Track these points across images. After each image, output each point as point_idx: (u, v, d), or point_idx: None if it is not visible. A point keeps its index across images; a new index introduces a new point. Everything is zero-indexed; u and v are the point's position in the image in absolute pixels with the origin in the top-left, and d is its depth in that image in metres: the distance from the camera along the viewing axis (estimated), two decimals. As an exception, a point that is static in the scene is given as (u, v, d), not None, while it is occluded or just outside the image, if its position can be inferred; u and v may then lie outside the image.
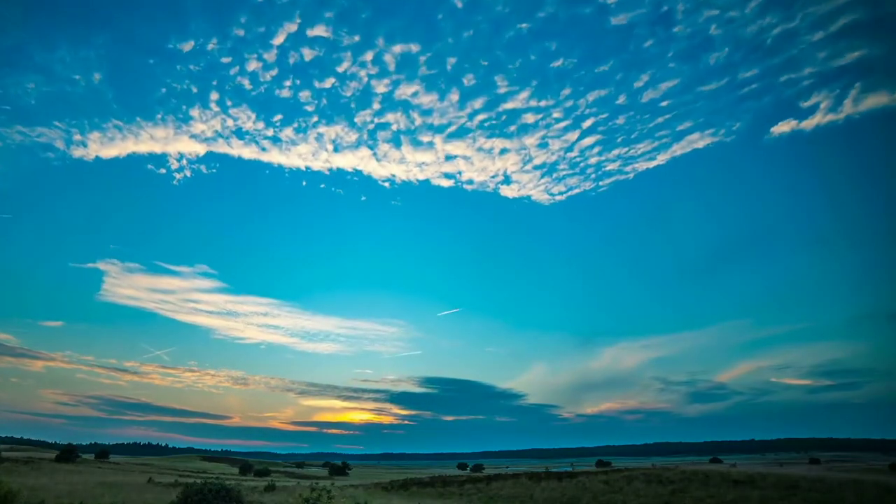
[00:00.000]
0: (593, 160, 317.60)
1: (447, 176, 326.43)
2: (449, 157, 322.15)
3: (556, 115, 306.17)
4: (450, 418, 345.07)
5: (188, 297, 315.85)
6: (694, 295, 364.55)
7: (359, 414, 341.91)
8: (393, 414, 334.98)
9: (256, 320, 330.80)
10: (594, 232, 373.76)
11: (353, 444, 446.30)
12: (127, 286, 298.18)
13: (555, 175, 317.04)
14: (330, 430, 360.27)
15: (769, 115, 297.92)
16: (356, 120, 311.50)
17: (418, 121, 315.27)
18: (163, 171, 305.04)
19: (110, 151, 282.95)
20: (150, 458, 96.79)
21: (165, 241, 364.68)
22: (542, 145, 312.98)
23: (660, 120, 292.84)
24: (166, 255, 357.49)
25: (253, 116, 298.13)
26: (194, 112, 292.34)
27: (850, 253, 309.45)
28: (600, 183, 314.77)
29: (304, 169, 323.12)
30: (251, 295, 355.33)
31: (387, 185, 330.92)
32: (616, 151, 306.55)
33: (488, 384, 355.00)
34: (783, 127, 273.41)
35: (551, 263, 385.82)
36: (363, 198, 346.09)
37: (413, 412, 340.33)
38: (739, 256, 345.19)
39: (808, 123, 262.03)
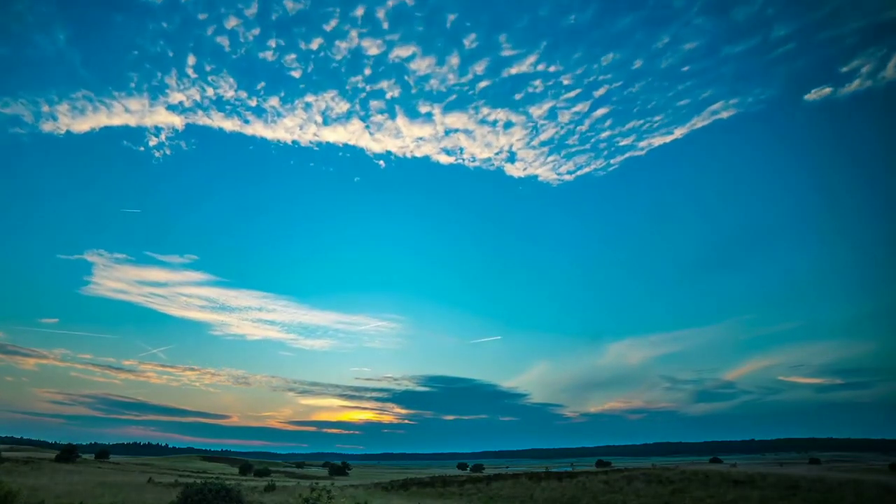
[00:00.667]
0: (605, 134, 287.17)
1: (447, 152, 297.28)
2: (449, 132, 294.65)
3: (565, 82, 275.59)
4: (450, 417, 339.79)
5: (180, 290, 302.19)
6: (705, 287, 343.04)
7: (358, 413, 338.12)
8: (393, 413, 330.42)
9: (251, 315, 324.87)
10: (601, 218, 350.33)
11: (353, 444, 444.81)
12: (115, 279, 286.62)
13: (563, 152, 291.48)
14: (329, 430, 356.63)
15: (804, 81, 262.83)
16: (347, 87, 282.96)
17: (415, 89, 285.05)
18: (141, 148, 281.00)
19: (82, 125, 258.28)
20: (150, 458, 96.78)
21: (151, 227, 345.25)
22: (550, 117, 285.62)
23: (680, 88, 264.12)
24: (153, 244, 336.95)
25: (234, 84, 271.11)
26: (170, 80, 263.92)
27: (874, 245, 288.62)
28: (611, 161, 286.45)
29: (290, 143, 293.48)
30: (244, 288, 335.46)
31: (381, 163, 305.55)
32: (630, 124, 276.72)
33: (490, 383, 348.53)
34: (816, 95, 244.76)
35: (557, 252, 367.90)
36: (356, 178, 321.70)
37: (413, 411, 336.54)
38: (756, 245, 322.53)
39: (846, 90, 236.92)
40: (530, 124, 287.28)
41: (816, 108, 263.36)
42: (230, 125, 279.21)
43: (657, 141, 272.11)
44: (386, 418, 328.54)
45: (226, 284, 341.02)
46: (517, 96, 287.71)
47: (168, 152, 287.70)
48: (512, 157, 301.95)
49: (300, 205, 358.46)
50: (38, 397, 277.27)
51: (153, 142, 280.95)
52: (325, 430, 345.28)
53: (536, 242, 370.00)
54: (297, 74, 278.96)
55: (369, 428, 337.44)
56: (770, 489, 25.83)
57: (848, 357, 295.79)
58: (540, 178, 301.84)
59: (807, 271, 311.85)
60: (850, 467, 53.15)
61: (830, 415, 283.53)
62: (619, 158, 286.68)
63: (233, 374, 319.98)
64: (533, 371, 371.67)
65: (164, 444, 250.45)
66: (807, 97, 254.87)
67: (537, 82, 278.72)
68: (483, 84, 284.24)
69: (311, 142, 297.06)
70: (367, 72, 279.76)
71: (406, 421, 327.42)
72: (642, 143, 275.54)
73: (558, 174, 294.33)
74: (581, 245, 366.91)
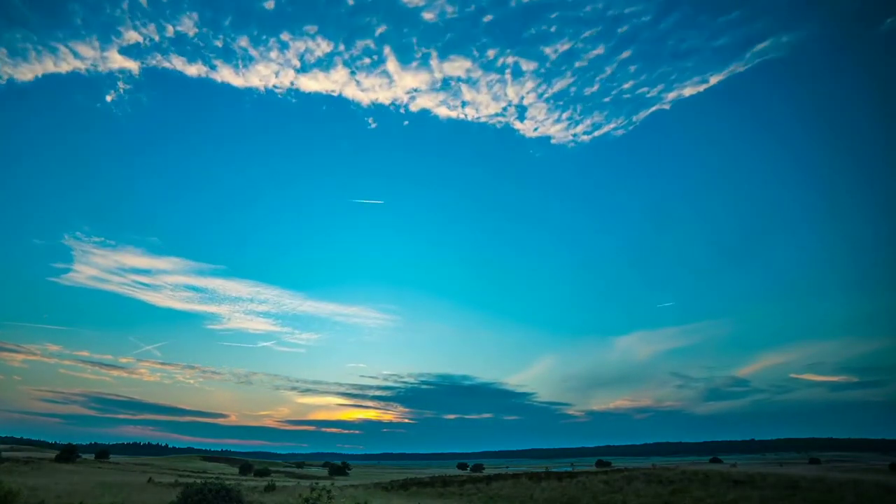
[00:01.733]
0: (628, 84, 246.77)
1: (447, 105, 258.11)
2: (448, 81, 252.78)
3: (583, 14, 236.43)
4: (451, 416, 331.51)
5: (166, 280, 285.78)
6: (721, 276, 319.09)
7: (357, 412, 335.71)
8: (393, 412, 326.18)
9: (242, 307, 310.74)
10: (611, 196, 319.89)
11: (353, 444, 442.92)
12: (95, 266, 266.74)
13: (579, 107, 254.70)
14: (328, 430, 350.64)
15: (875, 7, 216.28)
16: (328, 24, 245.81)
17: (407, 26, 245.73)
18: (98, 104, 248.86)
19: (25, 73, 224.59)
20: (150, 458, 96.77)
21: (122, 203, 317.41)
22: (565, 62, 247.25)
23: (720, 21, 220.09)
24: (129, 225, 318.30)
25: (196, 18, 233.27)
26: (122, 15, 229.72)
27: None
28: (633, 118, 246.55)
29: (263, 91, 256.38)
30: (235, 277, 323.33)
31: (371, 121, 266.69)
32: (658, 70, 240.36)
33: (491, 381, 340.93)
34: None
35: (562, 236, 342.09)
36: (343, 143, 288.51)
37: (414, 410, 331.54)
38: (785, 226, 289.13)
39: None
40: (542, 70, 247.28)
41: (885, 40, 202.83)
42: (194, 70, 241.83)
43: (688, 90, 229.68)
44: (385, 417, 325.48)
45: (217, 273, 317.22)
46: (528, 33, 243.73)
47: (128, 109, 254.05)
48: (522, 114, 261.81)
49: (278, 168, 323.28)
50: (26, 395, 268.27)
51: (110, 97, 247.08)
52: (322, 429, 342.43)
53: (542, 223, 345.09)
54: (269, 6, 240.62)
55: (369, 427, 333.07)
56: (770, 489, 25.83)
57: (865, 353, 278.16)
58: (553, 141, 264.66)
59: (839, 256, 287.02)
60: (850, 467, 53.13)
61: (843, 414, 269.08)
62: (643, 114, 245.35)
63: (229, 371, 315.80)
64: (537, 367, 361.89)
65: (163, 444, 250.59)
66: (881, 28, 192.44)
67: (552, 18, 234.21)
68: (487, 18, 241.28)
69: (287, 90, 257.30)
70: (351, 2, 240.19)
71: (406, 420, 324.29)
72: (670, 95, 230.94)
73: (573, 135, 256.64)
74: (587, 229, 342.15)
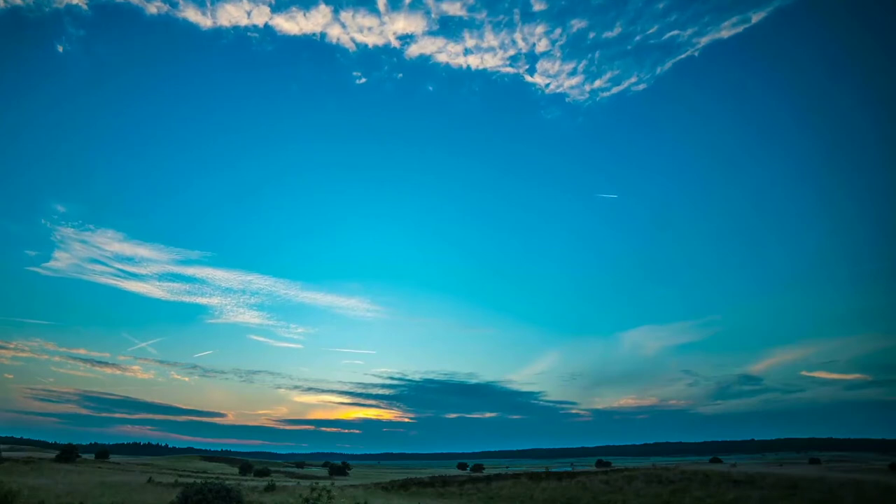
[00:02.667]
0: (653, 29, 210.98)
1: (445, 54, 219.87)
2: (445, 22, 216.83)
3: None
4: (453, 416, 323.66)
5: (153, 269, 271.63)
6: (737, 264, 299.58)
7: (357, 411, 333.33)
8: (393, 411, 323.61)
9: (234, 299, 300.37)
10: (624, 167, 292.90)
11: (353, 444, 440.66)
12: (77, 255, 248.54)
13: (597, 54, 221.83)
14: (326, 429, 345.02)
15: None
16: None
17: None
18: (47, 52, 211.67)
19: None
20: (150, 458, 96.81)
21: (94, 180, 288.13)
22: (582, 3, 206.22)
23: None
24: (103, 201, 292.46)
25: None
26: None
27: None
28: (658, 69, 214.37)
29: (229, 27, 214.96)
30: (226, 268, 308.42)
31: (359, 76, 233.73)
32: (691, 9, 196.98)
33: (492, 381, 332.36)
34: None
35: (566, 221, 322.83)
36: (328, 101, 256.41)
37: (414, 409, 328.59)
38: (809, 208, 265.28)
39: None
40: (554, 13, 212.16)
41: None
42: (153, 7, 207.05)
43: (727, 31, 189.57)
44: (385, 416, 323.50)
45: (204, 261, 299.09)
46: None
47: (79, 46, 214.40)
48: (532, 64, 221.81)
49: (251, 135, 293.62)
50: (16, 392, 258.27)
51: (60, 49, 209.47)
52: (322, 428, 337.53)
53: (549, 209, 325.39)
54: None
55: (368, 426, 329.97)
56: (770, 489, 25.84)
57: (881, 350, 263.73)
58: (569, 98, 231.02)
59: (863, 244, 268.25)
60: (850, 467, 53.18)
61: (852, 414, 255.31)
62: (668, 65, 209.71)
63: (226, 369, 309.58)
64: (540, 363, 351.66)
65: (163, 444, 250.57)
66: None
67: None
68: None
69: (263, 32, 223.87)
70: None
71: (406, 419, 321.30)
72: (702, 39, 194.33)
73: (590, 90, 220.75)
74: (594, 216, 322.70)
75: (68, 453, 52.54)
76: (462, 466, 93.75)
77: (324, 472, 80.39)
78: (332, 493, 18.05)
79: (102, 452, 70.73)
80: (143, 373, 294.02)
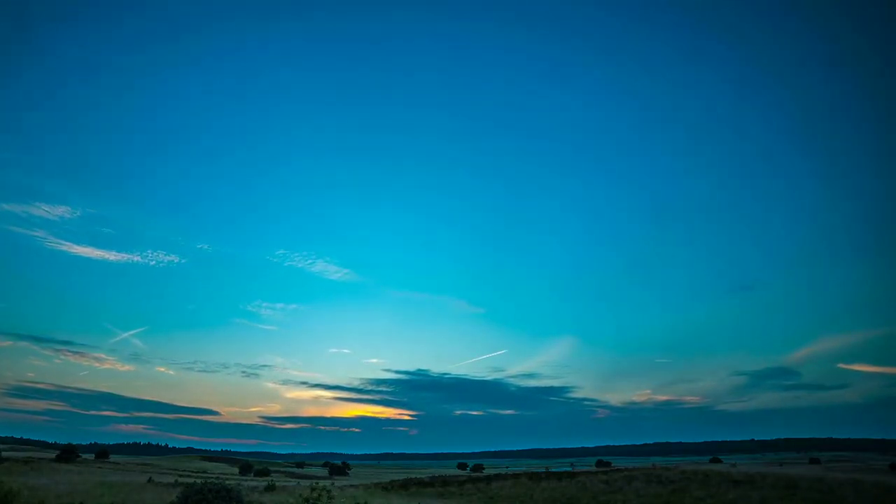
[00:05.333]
0: None
1: None
2: None
3: None
4: (458, 412, 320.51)
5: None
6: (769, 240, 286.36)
7: (357, 409, 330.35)
8: (393, 410, 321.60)
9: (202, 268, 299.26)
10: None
11: (353, 443, 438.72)
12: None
13: None
14: (325, 427, 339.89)
15: None
16: None
17: None
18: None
19: None
20: (151, 458, 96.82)
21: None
22: None
23: None
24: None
25: None
26: None
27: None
28: None
29: None
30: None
31: None
32: None
33: (494, 379, 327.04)
34: None
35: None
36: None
37: (412, 408, 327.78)
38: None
39: None
40: None
41: None
42: None
43: None
44: (384, 414, 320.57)
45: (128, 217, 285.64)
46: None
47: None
48: None
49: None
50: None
51: None
52: (320, 427, 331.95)
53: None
54: None
55: (368, 425, 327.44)
56: (770, 489, 25.84)
57: None
58: None
59: None
60: (850, 467, 53.20)
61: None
62: None
63: (217, 362, 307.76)
64: (553, 350, 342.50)
65: (164, 444, 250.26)
66: None
67: None
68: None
69: None
70: None
71: (405, 416, 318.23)
72: None
73: None
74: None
75: (68, 453, 52.61)
76: (462, 466, 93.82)
77: (324, 472, 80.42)
78: (332, 493, 18.05)
79: (102, 452, 70.81)
80: (125, 365, 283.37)
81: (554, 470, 46.39)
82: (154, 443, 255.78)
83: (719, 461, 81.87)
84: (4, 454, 51.61)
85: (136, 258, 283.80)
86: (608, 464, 76.78)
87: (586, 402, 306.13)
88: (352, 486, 38.50)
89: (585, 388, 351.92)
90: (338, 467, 76.60)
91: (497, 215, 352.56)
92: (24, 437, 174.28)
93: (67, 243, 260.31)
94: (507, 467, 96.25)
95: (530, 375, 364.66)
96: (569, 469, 52.77)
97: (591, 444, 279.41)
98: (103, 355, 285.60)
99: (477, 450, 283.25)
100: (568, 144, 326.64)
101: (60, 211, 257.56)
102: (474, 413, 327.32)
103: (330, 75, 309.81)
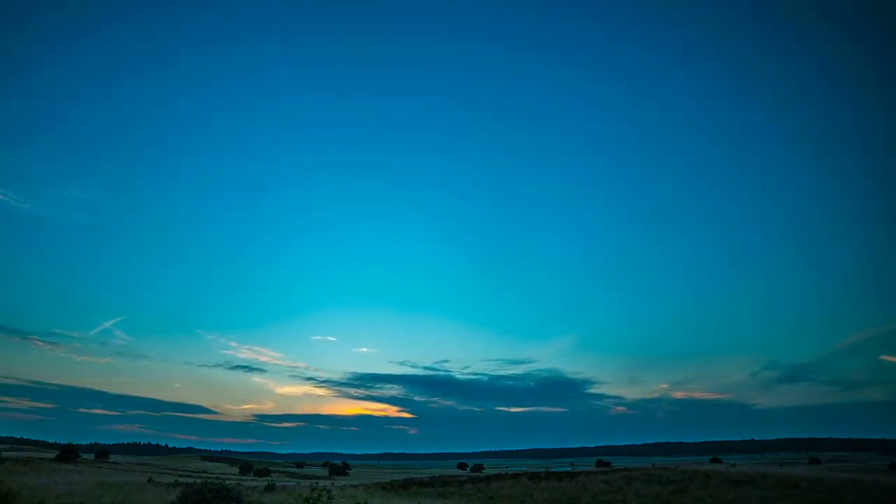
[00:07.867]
0: None
1: None
2: None
3: None
4: (462, 408, 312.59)
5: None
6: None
7: (355, 409, 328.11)
8: (393, 409, 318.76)
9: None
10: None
11: (352, 443, 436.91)
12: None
13: None
14: (324, 426, 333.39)
15: None
16: None
17: None
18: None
19: None
20: (151, 458, 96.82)
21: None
22: None
23: None
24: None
25: None
26: None
27: None
28: None
29: None
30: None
31: None
32: None
33: (494, 375, 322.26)
34: None
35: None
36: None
37: (411, 407, 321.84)
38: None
39: None
40: None
41: None
42: None
43: None
44: (383, 412, 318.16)
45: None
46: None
47: None
48: None
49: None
50: None
51: None
52: (319, 425, 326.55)
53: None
54: None
55: (368, 423, 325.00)
56: (770, 489, 25.84)
57: None
58: None
59: None
60: (850, 467, 53.20)
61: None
62: None
63: (210, 359, 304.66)
64: (561, 341, 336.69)
65: (164, 444, 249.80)
66: None
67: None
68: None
69: None
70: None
71: (405, 414, 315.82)
72: None
73: None
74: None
75: (68, 453, 52.58)
76: (462, 466, 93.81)
77: (324, 471, 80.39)
78: (332, 492, 18.06)
79: (102, 452, 70.80)
80: (110, 357, 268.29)
81: (554, 470, 46.39)
82: (154, 443, 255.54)
83: (719, 461, 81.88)
84: (4, 454, 51.59)
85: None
86: (608, 464, 76.75)
87: (602, 399, 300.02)
88: (352, 486, 38.49)
89: (604, 385, 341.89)
90: (338, 467, 76.59)
91: (497, 214, 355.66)
92: (25, 437, 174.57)
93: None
94: (507, 467, 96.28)
95: (530, 375, 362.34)
96: (569, 469, 52.76)
97: (591, 444, 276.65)
98: (94, 351, 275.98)
99: (477, 450, 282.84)
100: (579, 146, 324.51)
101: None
102: (476, 410, 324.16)
103: (316, 89, 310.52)
